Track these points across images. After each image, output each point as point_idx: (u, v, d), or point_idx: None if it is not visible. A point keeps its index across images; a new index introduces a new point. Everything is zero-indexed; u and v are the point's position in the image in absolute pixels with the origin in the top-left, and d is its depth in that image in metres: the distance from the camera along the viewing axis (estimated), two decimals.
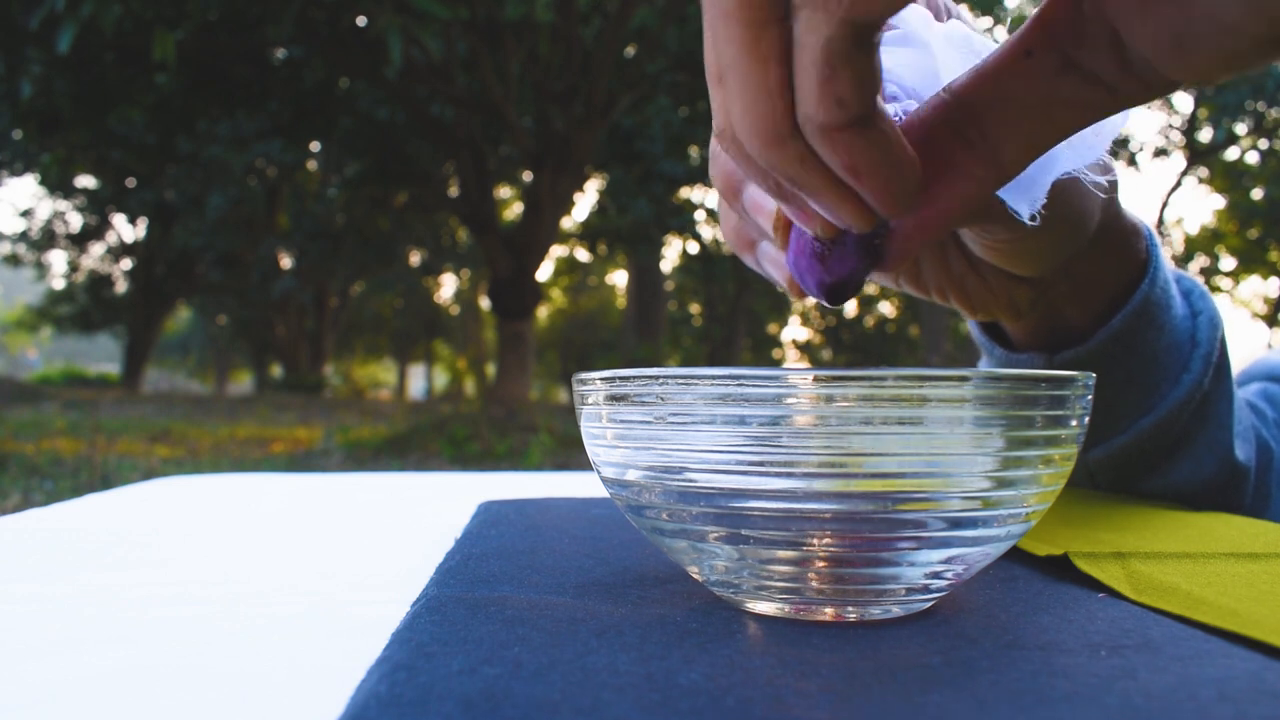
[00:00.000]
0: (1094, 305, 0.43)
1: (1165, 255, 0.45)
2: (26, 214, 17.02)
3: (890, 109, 0.29)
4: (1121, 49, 0.23)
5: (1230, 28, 0.21)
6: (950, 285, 0.42)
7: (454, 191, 10.44)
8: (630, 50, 8.66)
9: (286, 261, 13.85)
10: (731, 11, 0.22)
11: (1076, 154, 0.30)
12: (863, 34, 0.21)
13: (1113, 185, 0.40)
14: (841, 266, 0.28)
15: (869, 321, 19.17)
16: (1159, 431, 0.45)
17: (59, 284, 19.03)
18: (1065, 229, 0.38)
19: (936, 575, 0.26)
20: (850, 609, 0.26)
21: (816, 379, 0.23)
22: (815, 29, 0.21)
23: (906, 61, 0.31)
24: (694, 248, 14.73)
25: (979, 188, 0.26)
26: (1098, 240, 0.41)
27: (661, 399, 0.25)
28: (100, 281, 17.52)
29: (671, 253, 16.15)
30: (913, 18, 0.32)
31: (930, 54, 0.31)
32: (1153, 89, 0.24)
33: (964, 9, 0.37)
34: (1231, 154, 12.72)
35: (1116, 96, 0.24)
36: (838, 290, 0.29)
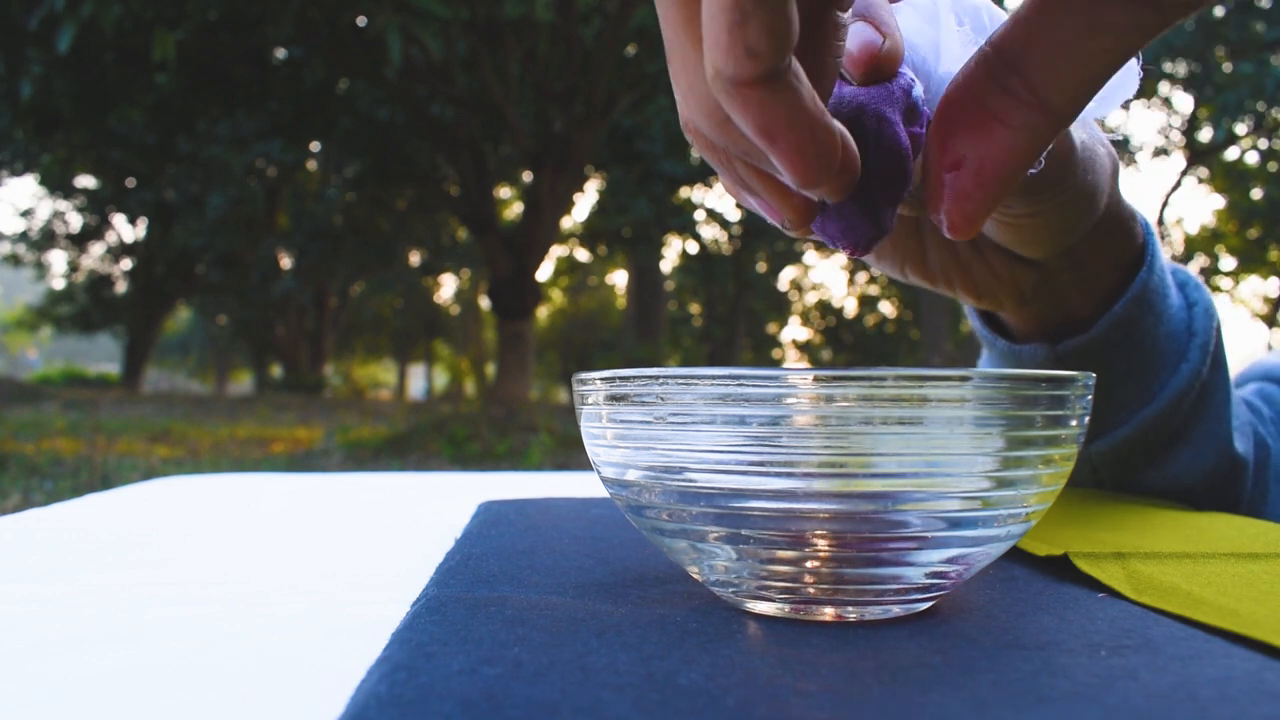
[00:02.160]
0: (1096, 291, 0.44)
1: (1163, 250, 0.46)
2: (26, 214, 17.02)
3: (901, 84, 0.29)
4: None
5: None
6: (956, 271, 0.43)
7: (454, 191, 10.44)
8: (630, 50, 8.66)
9: (286, 261, 13.85)
10: None
11: (1113, 90, 0.30)
12: None
13: (1114, 162, 0.40)
14: (850, 233, 0.28)
15: (869, 321, 19.17)
16: (1160, 421, 0.45)
17: (59, 284, 19.03)
18: (1080, 202, 0.38)
19: (936, 575, 0.26)
20: (850, 609, 0.26)
21: (816, 379, 0.23)
22: None
23: (914, 28, 0.31)
24: (694, 248, 14.73)
25: (1035, 138, 0.25)
26: (1101, 222, 0.41)
27: (661, 399, 0.25)
28: (100, 281, 17.52)
29: (671, 253, 16.15)
30: None
31: (937, 25, 0.31)
32: (1191, 5, 0.23)
33: None
34: (1231, 154, 12.72)
35: (1163, 11, 0.23)
36: (855, 248, 0.29)
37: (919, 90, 0.29)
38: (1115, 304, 0.44)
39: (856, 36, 0.27)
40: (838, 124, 0.23)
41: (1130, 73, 0.30)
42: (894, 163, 0.27)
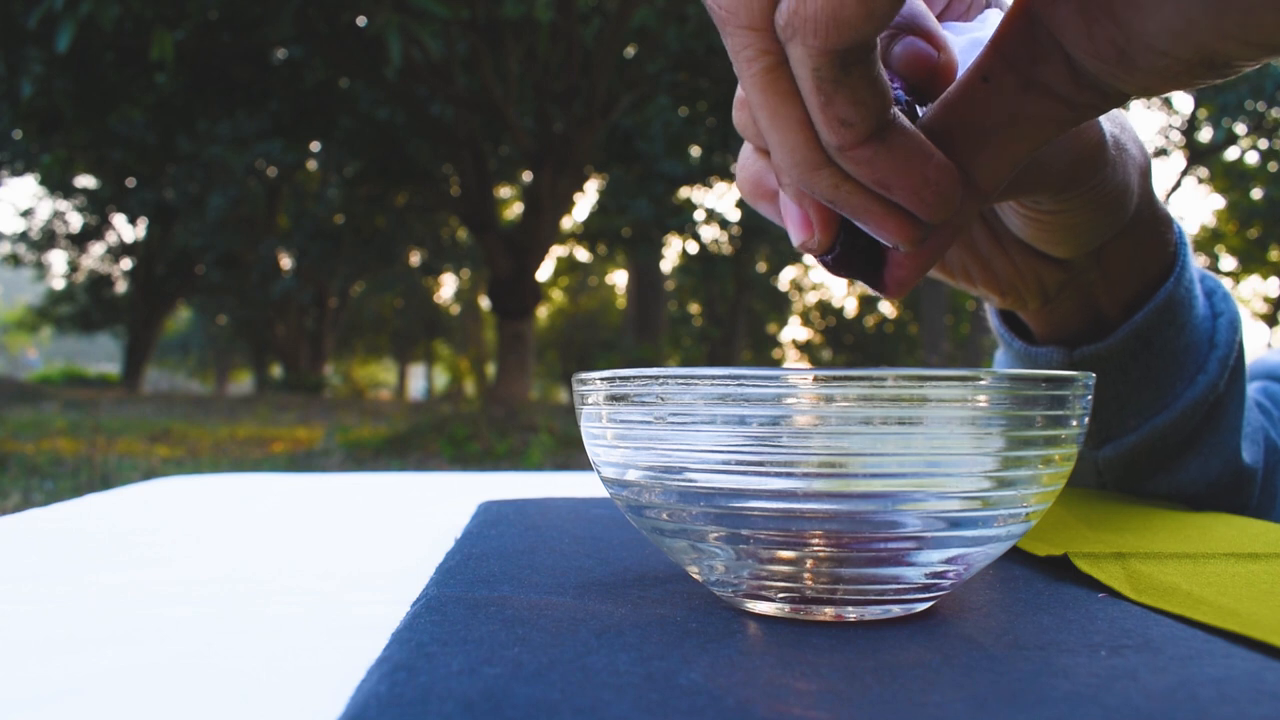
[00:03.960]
0: (1123, 295, 0.43)
1: (1191, 251, 0.45)
2: (26, 214, 17.03)
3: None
4: (1073, 65, 0.25)
5: (1162, 52, 0.23)
6: (976, 266, 0.42)
7: (454, 191, 10.43)
8: (630, 50, 8.67)
9: (286, 261, 13.85)
10: (747, 60, 0.24)
11: None
12: (849, 57, 0.22)
13: (1147, 160, 0.40)
14: (848, 271, 0.30)
15: (869, 321, 19.17)
16: (1170, 431, 0.44)
17: (59, 284, 19.03)
18: (1109, 200, 0.37)
19: (936, 575, 0.26)
20: (850, 609, 0.26)
21: (816, 379, 0.23)
22: (802, 61, 0.22)
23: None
24: (694, 248, 14.72)
25: (960, 215, 0.27)
26: (1132, 224, 0.40)
27: (661, 399, 0.25)
28: (100, 281, 17.52)
29: (671, 253, 16.16)
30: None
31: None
32: (1109, 100, 0.25)
33: None
34: (1231, 154, 12.71)
35: (1076, 109, 0.26)
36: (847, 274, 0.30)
37: None
38: (1141, 308, 0.43)
39: (908, 48, 0.28)
40: (944, 158, 0.25)
41: None
42: None
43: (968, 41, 0.31)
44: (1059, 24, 0.24)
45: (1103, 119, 0.36)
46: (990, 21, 0.32)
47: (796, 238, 0.29)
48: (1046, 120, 0.26)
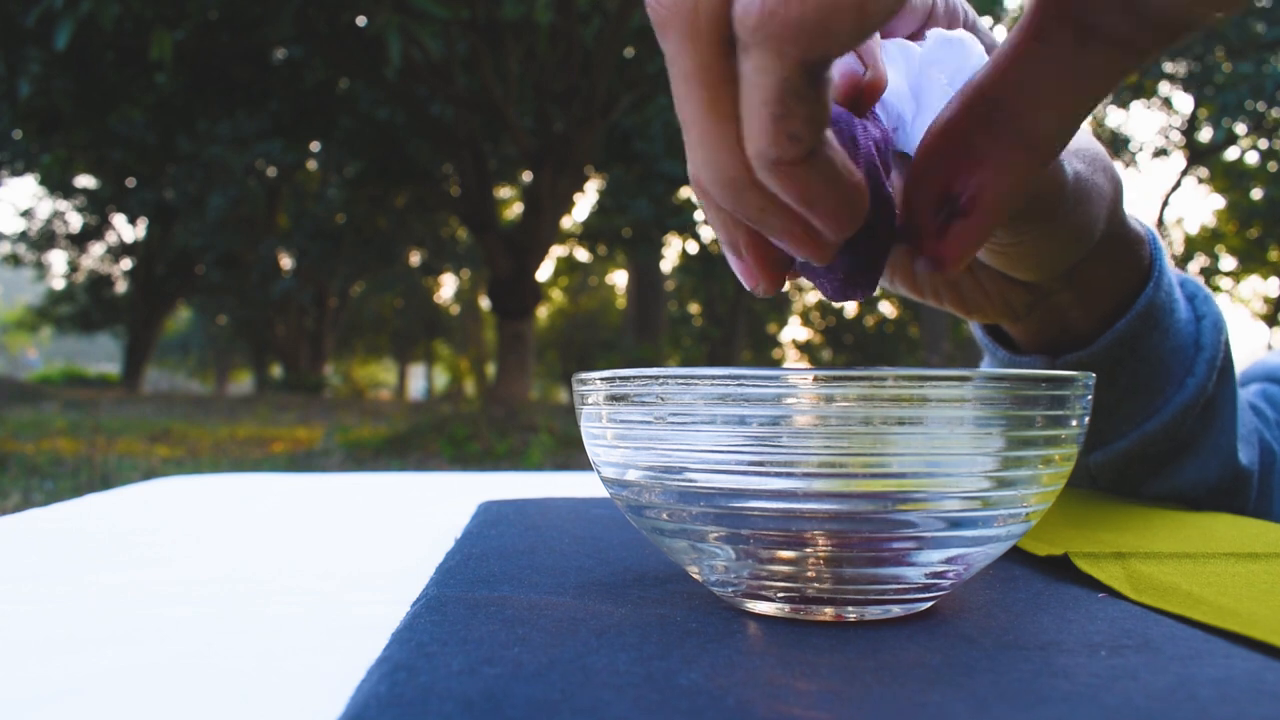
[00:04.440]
0: (1097, 310, 0.43)
1: (1168, 258, 0.45)
2: (26, 214, 17.03)
3: (881, 122, 0.29)
4: (1131, 5, 0.23)
5: None
6: (944, 286, 0.42)
7: (454, 191, 10.43)
8: (630, 50, 8.66)
9: (286, 261, 13.85)
10: (690, 74, 0.22)
11: None
12: (815, 71, 0.21)
13: (1117, 191, 0.40)
14: (851, 284, 0.29)
15: (869, 321, 19.17)
16: (1162, 436, 0.44)
17: (59, 284, 19.03)
18: (1069, 234, 0.37)
19: (936, 575, 0.26)
20: (850, 609, 0.26)
21: (816, 379, 0.23)
22: (768, 70, 0.21)
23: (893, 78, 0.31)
24: (694, 248, 14.72)
25: (1019, 177, 0.26)
26: (1101, 247, 0.40)
27: (661, 399, 0.25)
28: (100, 281, 17.52)
29: (671, 253, 16.15)
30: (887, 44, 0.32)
31: (900, 73, 0.31)
32: (1165, 32, 0.24)
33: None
34: (1231, 154, 12.71)
35: (1136, 50, 0.24)
36: (847, 295, 0.29)
37: (897, 135, 0.30)
38: (1118, 319, 0.43)
39: (839, 65, 0.28)
40: (858, 174, 0.24)
41: None
42: (888, 212, 0.28)
43: (907, 60, 0.31)
44: None
45: (1069, 156, 0.36)
46: (933, 40, 0.32)
47: (748, 284, 0.28)
48: (1109, 68, 0.24)
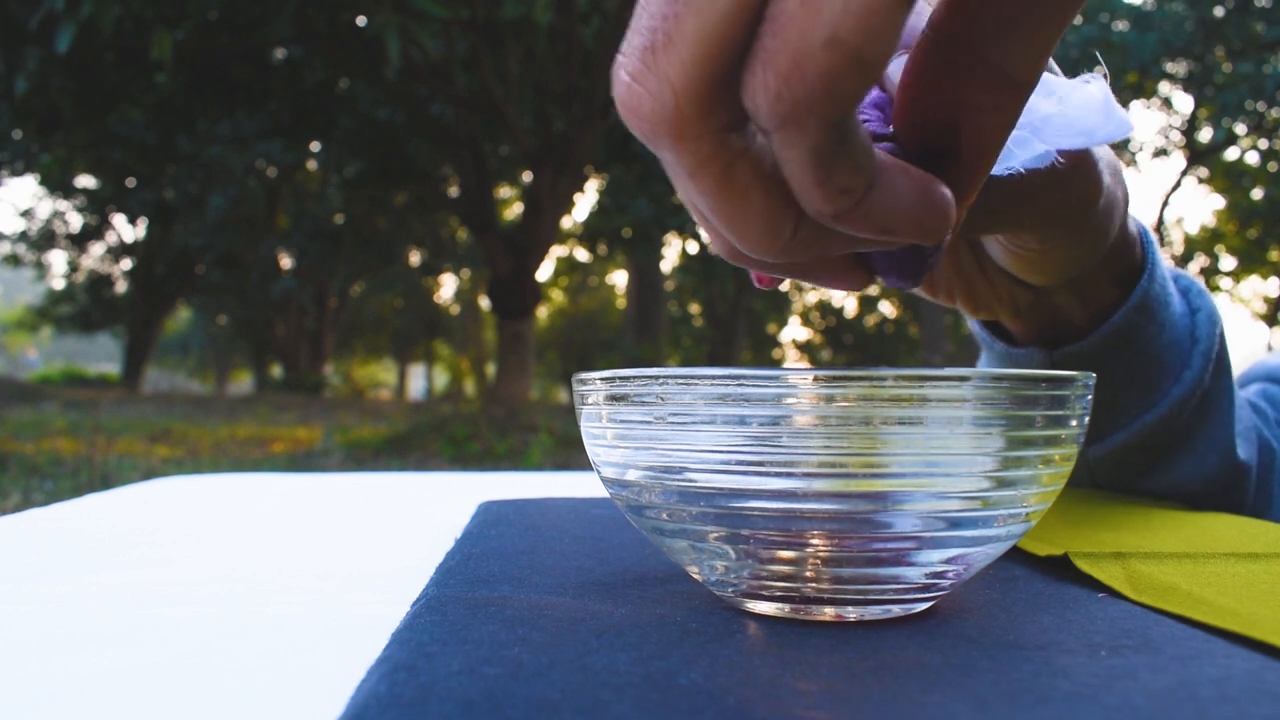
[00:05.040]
0: (1092, 306, 0.44)
1: (1163, 254, 0.46)
2: (26, 214, 17.03)
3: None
4: None
5: None
6: (959, 285, 0.43)
7: (454, 191, 10.43)
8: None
9: (286, 261, 13.85)
10: (693, 171, 0.21)
11: (1102, 128, 0.30)
12: (846, 123, 0.20)
13: (1127, 198, 0.41)
14: (904, 270, 0.28)
15: (869, 321, 19.16)
16: (1160, 428, 0.45)
17: (59, 284, 19.03)
18: (1090, 243, 0.38)
19: (936, 575, 0.26)
20: (850, 609, 0.26)
21: (816, 379, 0.23)
22: (796, 144, 0.20)
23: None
24: (694, 248, 14.73)
25: (1002, 116, 0.24)
26: (1107, 252, 0.41)
27: (661, 399, 0.25)
28: (100, 281, 17.52)
29: (671, 253, 16.16)
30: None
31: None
32: None
33: None
34: (1231, 154, 12.71)
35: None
36: (911, 281, 0.28)
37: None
38: (1114, 313, 0.44)
39: None
40: (930, 176, 0.23)
41: (1115, 116, 0.30)
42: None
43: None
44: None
45: (1103, 167, 0.36)
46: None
47: (854, 286, 0.27)
48: None
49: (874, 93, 0.29)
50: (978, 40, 0.23)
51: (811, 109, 0.19)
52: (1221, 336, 0.46)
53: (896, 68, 0.29)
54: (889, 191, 0.22)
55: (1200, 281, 0.49)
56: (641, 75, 0.20)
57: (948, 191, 0.23)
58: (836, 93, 0.19)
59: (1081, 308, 0.44)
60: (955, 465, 0.24)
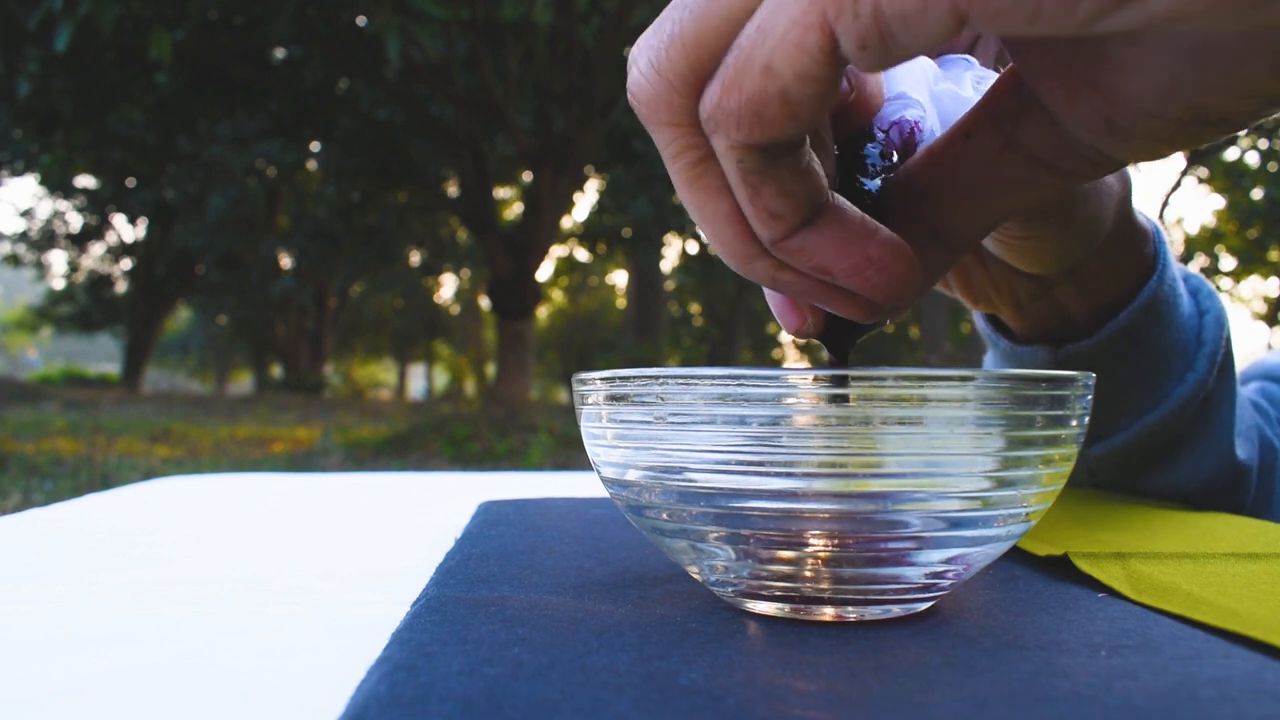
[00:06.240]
0: (1097, 304, 0.44)
1: (1172, 253, 0.46)
2: (26, 214, 17.03)
3: (910, 118, 0.29)
4: (1062, 131, 0.24)
5: (1155, 113, 0.22)
6: (955, 274, 0.43)
7: (454, 191, 10.43)
8: (630, 50, 8.66)
9: (286, 261, 13.85)
10: (676, 155, 0.23)
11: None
12: (774, 151, 0.22)
13: (1126, 188, 0.40)
14: (827, 330, 0.28)
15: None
16: (1161, 429, 0.45)
17: (59, 284, 19.02)
18: (1078, 231, 0.38)
19: (936, 575, 0.26)
20: (850, 609, 0.26)
21: (816, 379, 0.23)
22: (726, 155, 0.22)
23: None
24: (694, 248, 14.73)
25: (930, 269, 0.27)
26: (1107, 243, 0.41)
27: (661, 399, 0.25)
28: (100, 281, 17.52)
29: (671, 253, 16.15)
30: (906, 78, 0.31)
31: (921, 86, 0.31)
32: (1101, 167, 0.24)
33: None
34: (1231, 154, 12.71)
35: (1063, 175, 0.25)
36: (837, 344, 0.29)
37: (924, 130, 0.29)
38: (1120, 312, 0.43)
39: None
40: (889, 235, 0.24)
41: None
42: None
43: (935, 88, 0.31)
44: (1044, 93, 0.23)
45: None
46: (957, 73, 0.32)
47: (788, 326, 0.28)
48: (1028, 182, 0.25)
49: (887, 120, 0.29)
50: (931, 198, 0.26)
51: (739, 123, 0.21)
52: (1228, 340, 0.46)
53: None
54: (832, 234, 0.23)
55: (1209, 283, 0.48)
56: (646, 64, 0.22)
57: (904, 252, 0.24)
58: (762, 115, 0.21)
59: (1085, 304, 0.43)
60: (955, 465, 0.24)
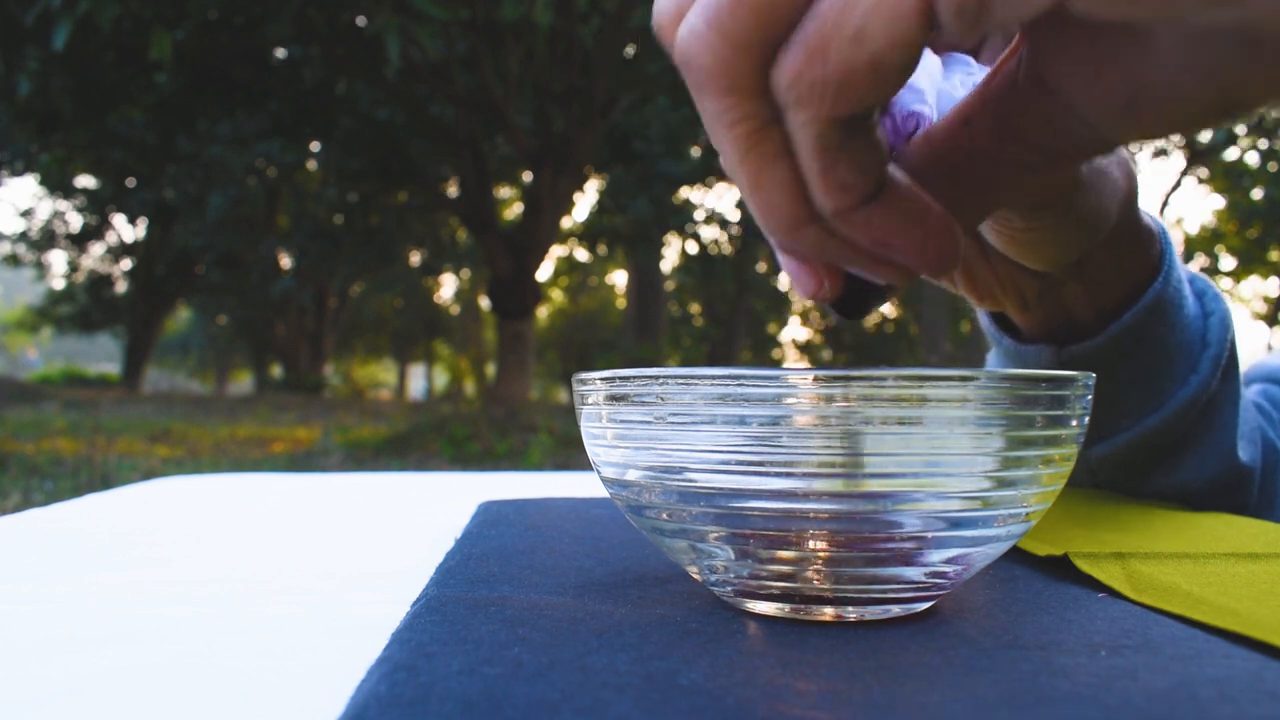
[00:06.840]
0: (1103, 304, 0.43)
1: (1178, 254, 0.45)
2: (26, 214, 17.03)
3: (916, 109, 0.29)
4: (1061, 115, 0.24)
5: (1183, 97, 0.22)
6: (961, 270, 0.43)
7: (454, 191, 10.43)
8: (630, 50, 8.66)
9: (286, 261, 13.85)
10: (734, 123, 0.22)
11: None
12: (854, 123, 0.21)
13: (1130, 184, 0.40)
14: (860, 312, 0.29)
15: (869, 321, 19.17)
16: (1164, 430, 0.44)
17: (59, 284, 19.03)
18: (1081, 224, 0.38)
19: (936, 575, 0.26)
20: (850, 609, 0.26)
21: (816, 379, 0.23)
22: (805, 126, 0.21)
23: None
24: (694, 248, 14.73)
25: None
26: (1111, 241, 0.41)
27: (661, 399, 0.25)
28: (100, 281, 17.52)
29: (671, 253, 16.16)
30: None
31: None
32: (1087, 150, 0.24)
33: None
34: (1231, 154, 12.70)
35: (1053, 159, 0.25)
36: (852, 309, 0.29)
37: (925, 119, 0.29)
38: (1125, 312, 0.43)
39: None
40: (940, 209, 0.24)
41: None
42: None
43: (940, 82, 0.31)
44: (1059, 72, 0.23)
45: None
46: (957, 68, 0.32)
47: (806, 290, 0.28)
48: (1021, 168, 0.25)
49: (905, 108, 0.29)
50: (930, 185, 0.25)
51: (824, 95, 0.20)
52: (1232, 343, 0.46)
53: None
54: (895, 208, 0.23)
55: (1214, 285, 0.48)
56: (702, 23, 0.21)
57: (954, 227, 0.24)
58: (849, 86, 0.20)
59: (1090, 303, 0.43)
60: (955, 465, 0.24)
